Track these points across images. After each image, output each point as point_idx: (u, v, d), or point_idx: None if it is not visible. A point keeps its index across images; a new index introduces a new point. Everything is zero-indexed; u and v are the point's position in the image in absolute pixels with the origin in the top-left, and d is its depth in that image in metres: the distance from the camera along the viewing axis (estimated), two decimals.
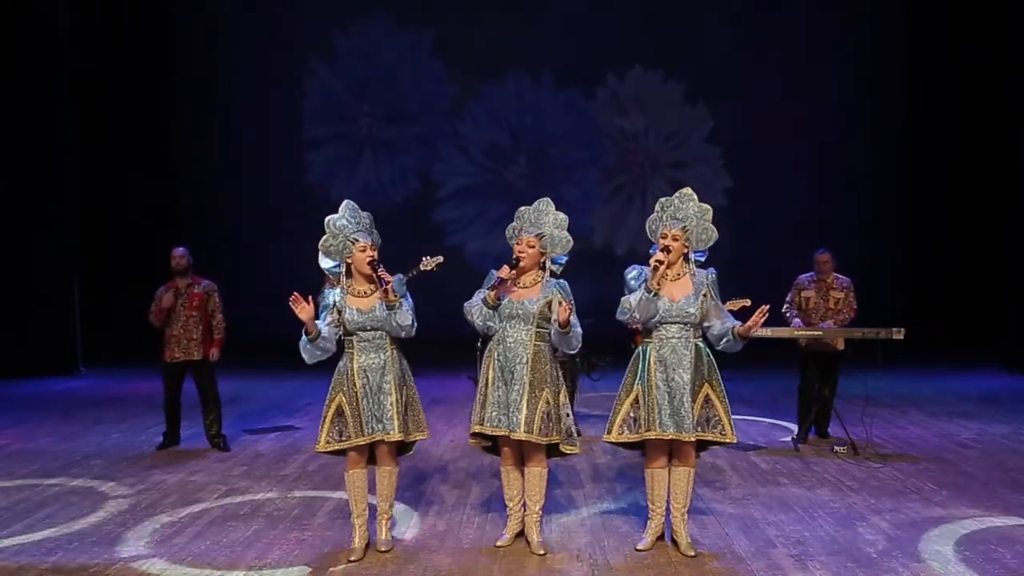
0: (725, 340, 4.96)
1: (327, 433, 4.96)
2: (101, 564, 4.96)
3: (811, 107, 15.33)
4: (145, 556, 5.08)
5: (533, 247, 5.02)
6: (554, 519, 5.62)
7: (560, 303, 4.91)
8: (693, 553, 4.95)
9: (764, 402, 9.73)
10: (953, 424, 8.58)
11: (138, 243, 13.80)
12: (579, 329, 5.00)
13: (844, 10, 15.39)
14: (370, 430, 4.91)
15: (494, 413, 4.97)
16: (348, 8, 15.81)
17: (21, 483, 6.66)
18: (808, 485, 6.43)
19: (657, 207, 5.10)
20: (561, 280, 5.09)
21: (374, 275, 4.91)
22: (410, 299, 5.04)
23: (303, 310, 4.81)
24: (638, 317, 4.91)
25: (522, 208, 5.20)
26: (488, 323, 5.03)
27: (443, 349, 9.56)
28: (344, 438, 4.93)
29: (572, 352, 5.27)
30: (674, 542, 5.06)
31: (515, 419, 4.89)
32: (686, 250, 5.00)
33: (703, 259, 5.09)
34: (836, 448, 7.36)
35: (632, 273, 5.05)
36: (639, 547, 5.06)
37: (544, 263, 5.09)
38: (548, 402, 4.93)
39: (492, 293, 4.98)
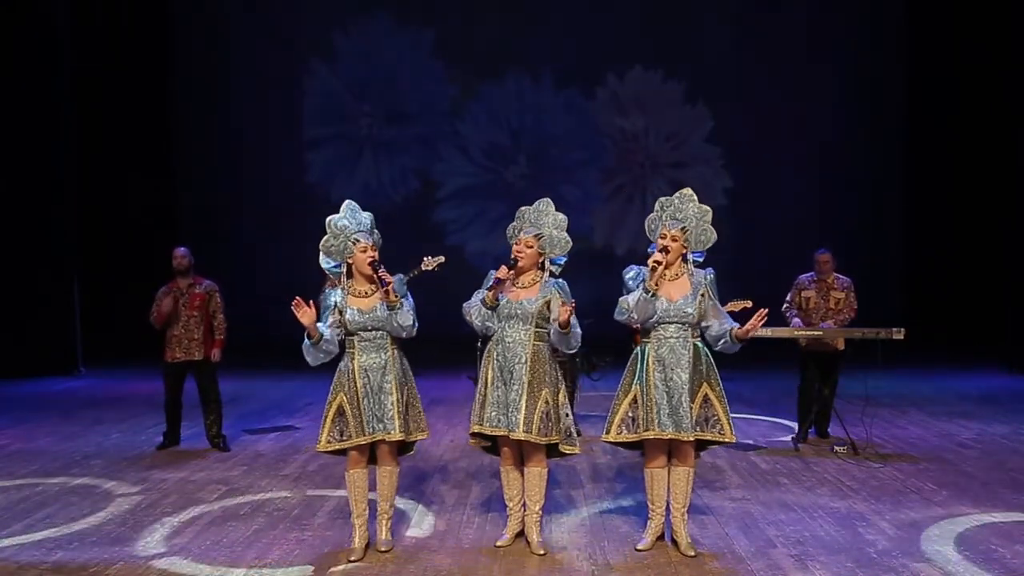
0: (723, 341, 4.96)
1: (328, 433, 4.96)
2: (101, 564, 4.96)
3: (811, 107, 15.33)
4: (145, 556, 5.08)
5: (531, 247, 5.03)
6: (554, 519, 5.62)
7: (562, 303, 4.91)
8: (693, 553, 4.95)
9: (764, 402, 9.73)
10: (953, 424, 8.58)
11: (138, 243, 13.81)
12: (578, 330, 5.00)
13: (844, 10, 15.39)
14: (371, 430, 4.91)
15: (493, 413, 4.97)
16: (348, 8, 15.81)
17: (21, 483, 6.66)
18: (808, 485, 6.43)
19: (657, 207, 5.10)
20: (560, 280, 5.09)
21: (375, 276, 4.91)
22: (411, 299, 5.04)
23: (305, 314, 4.81)
24: (636, 317, 4.91)
25: (523, 208, 5.21)
26: (487, 323, 5.04)
27: (443, 349, 9.56)
28: (345, 438, 4.93)
29: (571, 352, 5.27)
30: (674, 542, 5.06)
31: (514, 419, 4.89)
32: (685, 251, 5.00)
33: (701, 259, 5.09)
34: (836, 448, 7.36)
35: (630, 273, 5.05)
36: (639, 547, 5.06)
37: (543, 263, 5.09)
38: (547, 402, 4.93)
39: (490, 293, 4.98)
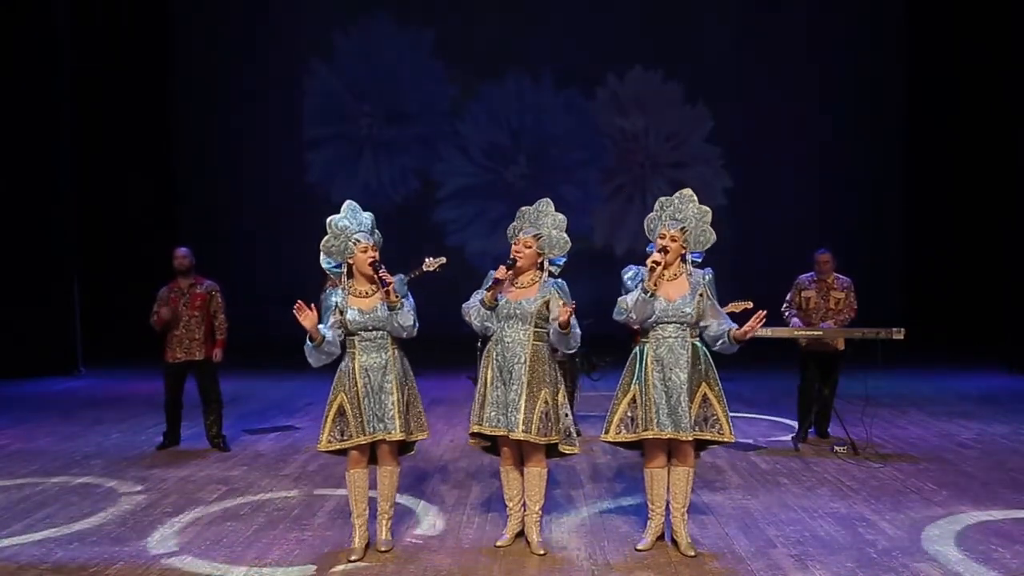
0: (721, 342, 4.96)
1: (329, 433, 4.96)
2: (101, 564, 4.96)
3: (811, 107, 15.34)
4: (145, 556, 5.08)
5: (530, 247, 5.03)
6: (554, 519, 5.62)
7: (563, 304, 4.92)
8: (693, 553, 4.95)
9: (764, 402, 9.73)
10: (953, 424, 8.58)
11: (138, 243, 13.82)
12: (578, 330, 5.00)
13: (844, 10, 15.39)
14: (371, 429, 4.92)
15: (493, 413, 4.97)
16: (348, 8, 15.82)
17: (21, 483, 6.66)
18: (808, 485, 6.43)
19: (656, 206, 5.10)
20: (559, 280, 5.09)
21: (375, 276, 4.91)
22: (411, 299, 5.04)
23: (306, 317, 4.81)
24: (635, 317, 4.91)
25: (523, 208, 5.21)
26: (486, 324, 5.04)
27: (443, 349, 9.56)
28: (346, 438, 4.93)
29: (570, 352, 5.27)
30: (674, 542, 5.06)
31: (513, 419, 4.89)
32: (684, 251, 5.00)
33: (700, 260, 5.09)
34: (836, 448, 7.36)
35: (629, 273, 5.05)
36: (639, 547, 5.06)
37: (542, 263, 5.09)
38: (547, 402, 4.93)
39: (489, 294, 4.99)
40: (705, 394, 4.94)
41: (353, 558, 4.94)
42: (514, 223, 5.18)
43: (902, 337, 7.08)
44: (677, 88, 15.82)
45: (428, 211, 15.89)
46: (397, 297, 4.90)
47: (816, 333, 7.41)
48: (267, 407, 9.76)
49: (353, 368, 4.95)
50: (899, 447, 7.62)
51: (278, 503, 6.08)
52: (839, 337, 7.50)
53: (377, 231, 5.08)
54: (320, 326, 4.89)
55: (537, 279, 5.06)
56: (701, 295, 4.94)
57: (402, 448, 5.15)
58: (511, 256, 5.03)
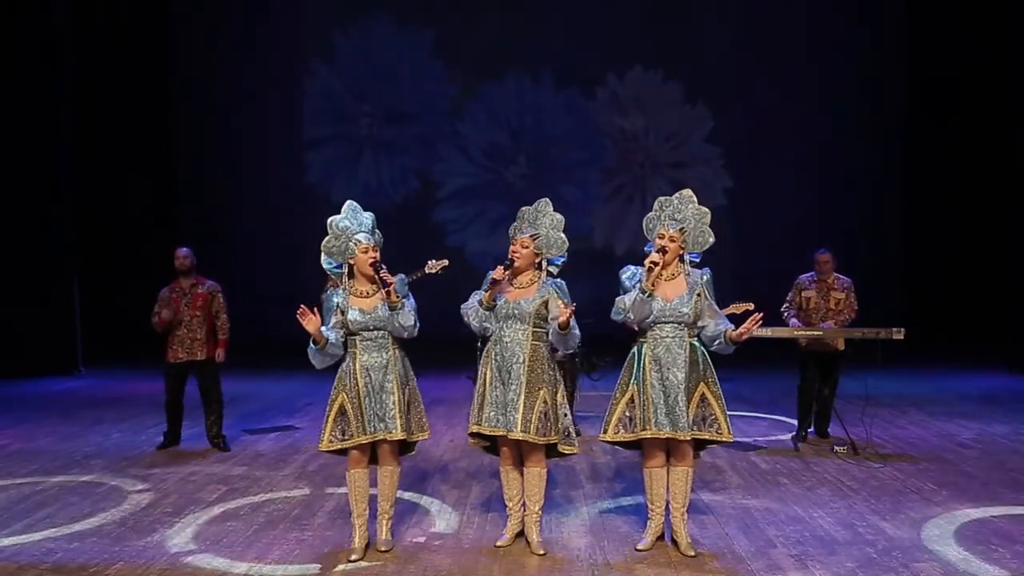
0: (717, 342, 4.96)
1: (330, 432, 4.96)
2: (101, 564, 4.96)
3: (811, 107, 15.33)
4: (146, 556, 5.08)
5: (527, 248, 5.03)
6: (554, 519, 5.62)
7: (564, 305, 4.92)
8: (693, 553, 4.95)
9: (764, 402, 9.73)
10: (953, 424, 8.58)
11: (138, 243, 13.83)
12: (577, 331, 5.00)
13: (844, 10, 15.39)
14: (372, 429, 4.92)
15: (492, 413, 4.97)
16: (348, 8, 15.82)
17: (21, 483, 6.66)
18: (808, 485, 6.43)
19: (656, 206, 5.10)
20: (558, 280, 5.10)
21: (376, 276, 4.92)
22: (412, 299, 5.05)
23: (310, 322, 4.82)
24: (632, 317, 4.91)
25: (523, 208, 5.21)
26: (484, 324, 5.05)
27: (443, 349, 9.56)
28: (347, 437, 4.94)
29: (569, 352, 5.27)
30: (674, 542, 5.06)
31: (512, 419, 4.89)
32: (682, 251, 5.00)
33: (698, 260, 5.09)
34: (836, 448, 7.36)
35: (627, 273, 5.05)
36: (639, 547, 5.06)
37: (540, 263, 5.09)
38: (546, 402, 4.93)
39: (487, 294, 5.00)
40: (703, 394, 4.94)
41: (353, 558, 4.94)
42: (514, 223, 5.19)
43: (902, 337, 7.08)
44: (677, 88, 15.82)
45: (428, 211, 15.89)
46: (398, 297, 4.91)
47: (816, 333, 7.41)
48: (267, 407, 9.76)
49: (354, 368, 4.95)
50: (899, 447, 7.62)
51: (278, 503, 6.09)
52: (839, 337, 7.50)
53: (378, 231, 5.09)
54: (323, 328, 4.89)
55: (536, 279, 5.06)
56: (699, 295, 4.94)
57: (403, 448, 5.15)
58: (509, 256, 5.03)
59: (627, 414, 4.96)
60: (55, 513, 5.90)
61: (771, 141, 15.40)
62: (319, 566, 4.89)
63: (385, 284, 4.89)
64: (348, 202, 5.10)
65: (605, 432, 5.01)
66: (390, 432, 4.92)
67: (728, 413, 5.03)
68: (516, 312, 4.98)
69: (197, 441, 7.83)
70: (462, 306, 5.12)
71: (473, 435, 5.13)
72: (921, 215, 14.97)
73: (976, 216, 14.08)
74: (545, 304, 5.00)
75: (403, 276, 5.13)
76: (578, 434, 5.53)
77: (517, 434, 4.88)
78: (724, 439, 4.99)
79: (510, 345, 4.97)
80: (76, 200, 12.97)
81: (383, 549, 5.06)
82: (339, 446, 4.99)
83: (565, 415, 5.07)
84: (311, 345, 4.90)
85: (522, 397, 4.90)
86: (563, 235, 5.12)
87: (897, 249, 15.44)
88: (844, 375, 7.80)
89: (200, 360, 7.58)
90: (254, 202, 15.58)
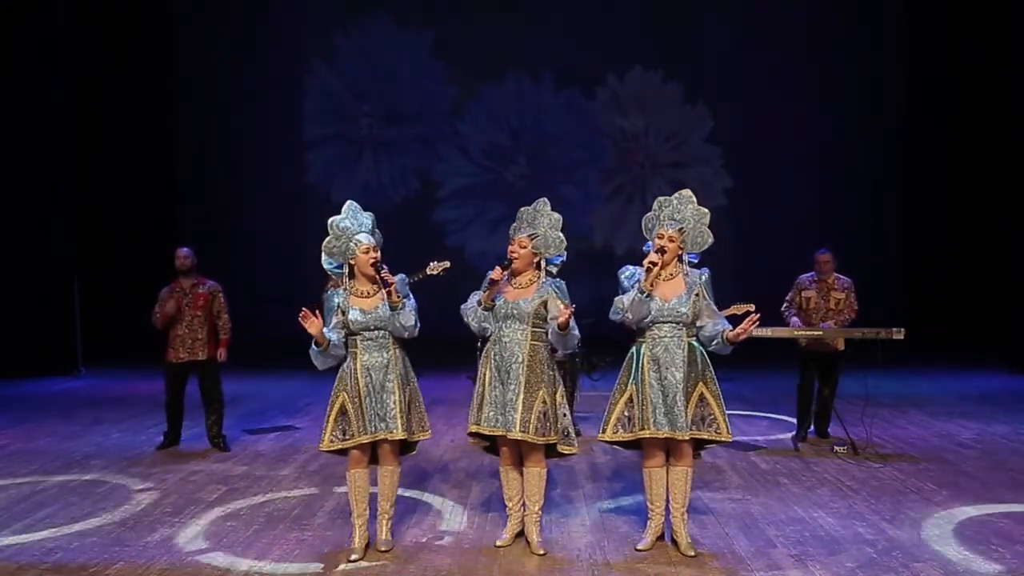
0: (715, 342, 4.95)
1: (331, 432, 4.97)
2: (101, 564, 4.96)
3: (811, 107, 15.33)
4: (146, 556, 5.08)
5: (525, 247, 5.04)
6: (554, 519, 5.62)
7: (564, 306, 4.92)
8: (693, 553, 4.95)
9: (764, 402, 9.73)
10: (953, 424, 8.58)
11: (138, 243, 13.83)
12: (576, 332, 5.01)
13: (844, 10, 15.39)
14: (373, 428, 4.92)
15: (491, 413, 4.97)
16: (348, 8, 15.82)
17: (21, 483, 6.66)
18: (808, 485, 6.43)
19: (655, 206, 5.09)
20: (558, 280, 5.10)
21: (378, 276, 4.92)
22: (413, 299, 5.05)
23: (312, 325, 4.82)
24: (631, 317, 4.91)
25: (522, 208, 5.21)
26: (483, 324, 5.05)
27: (443, 349, 9.55)
28: (347, 437, 4.94)
29: (569, 352, 5.27)
30: (674, 542, 5.06)
31: (511, 419, 4.89)
32: (681, 251, 5.00)
33: (696, 260, 5.09)
34: (836, 448, 7.36)
35: (626, 273, 5.06)
36: (639, 547, 5.06)
37: (539, 263, 5.09)
38: (545, 402, 4.93)
39: (486, 294, 5.00)
40: (702, 393, 4.94)
41: (353, 558, 4.94)
42: (514, 224, 5.19)
43: (902, 337, 7.08)
44: (677, 88, 15.82)
45: (428, 211, 15.89)
46: (399, 297, 4.91)
47: (816, 333, 7.41)
48: (267, 407, 9.76)
49: (355, 368, 4.95)
50: (899, 447, 7.62)
51: (278, 503, 6.09)
52: (839, 337, 7.50)
53: (377, 231, 5.09)
54: (325, 330, 4.89)
55: (535, 279, 5.06)
56: (697, 295, 4.94)
57: (404, 448, 5.15)
58: (507, 256, 5.03)
59: (626, 414, 4.96)
60: (55, 513, 5.90)
61: (771, 141, 15.40)
62: (321, 565, 4.88)
63: (386, 284, 4.89)
64: (348, 202, 5.10)
65: (604, 432, 5.02)
66: (391, 432, 4.92)
67: (728, 413, 5.04)
68: (515, 312, 4.98)
69: (197, 441, 7.83)
70: (461, 307, 5.12)
71: (472, 435, 5.14)
72: (921, 215, 14.97)
73: (976, 216, 14.08)
74: (544, 304, 5.00)
75: (404, 276, 5.14)
76: (578, 434, 5.53)
77: (516, 434, 4.88)
78: (723, 439, 4.99)
79: (509, 345, 4.97)
80: (76, 200, 12.97)
81: (383, 549, 5.06)
82: (340, 446, 4.99)
83: (564, 415, 5.07)
84: (313, 347, 4.90)
85: (521, 397, 4.90)
86: (561, 234, 5.11)
87: (897, 249, 15.44)
88: (844, 375, 7.80)
89: (202, 360, 7.58)
90: (254, 202, 15.57)
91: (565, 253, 5.16)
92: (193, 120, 15.44)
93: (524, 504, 5.13)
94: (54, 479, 6.77)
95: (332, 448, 5.01)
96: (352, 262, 5.00)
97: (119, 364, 12.87)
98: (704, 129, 15.85)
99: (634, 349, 5.02)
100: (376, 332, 4.96)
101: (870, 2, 15.45)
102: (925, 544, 5.14)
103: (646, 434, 4.88)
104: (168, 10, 15.34)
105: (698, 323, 4.97)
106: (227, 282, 7.96)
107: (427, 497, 6.19)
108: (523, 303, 4.99)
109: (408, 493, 6.16)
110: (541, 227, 5.09)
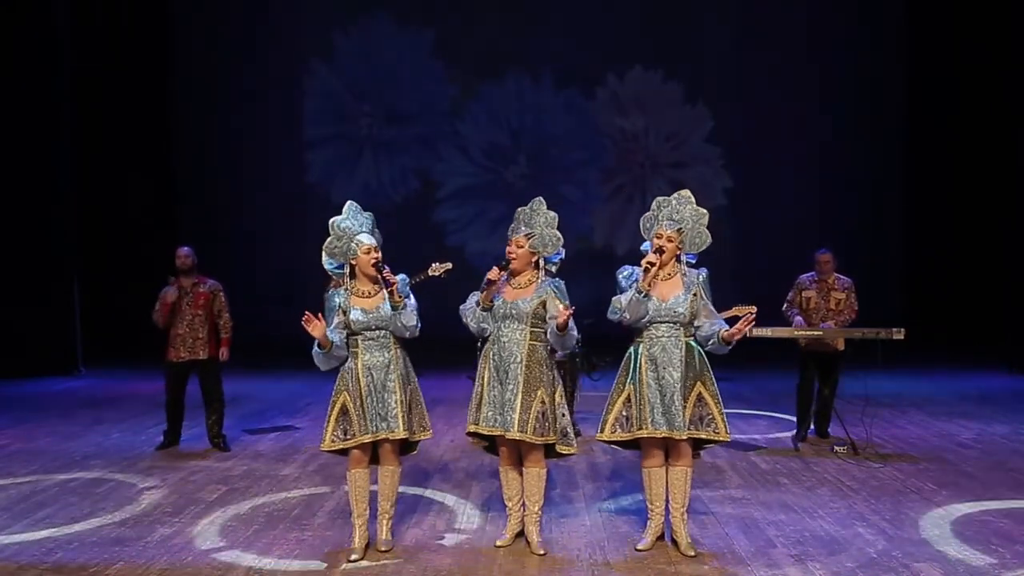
0: (711, 342, 4.95)
1: (332, 432, 4.97)
2: (101, 564, 4.96)
3: (811, 107, 15.33)
4: (146, 556, 5.08)
5: (522, 247, 5.03)
6: (554, 519, 5.62)
7: (563, 306, 4.91)
8: (693, 553, 4.95)
9: (764, 402, 9.73)
10: (953, 424, 8.58)
11: (138, 243, 13.83)
12: (575, 332, 5.01)
13: (844, 10, 15.39)
14: (374, 428, 4.92)
15: (490, 413, 4.98)
16: (348, 8, 15.82)
17: (21, 483, 6.66)
18: (808, 485, 6.43)
19: (654, 205, 5.09)
20: (557, 279, 5.09)
21: (379, 276, 4.93)
22: (414, 299, 5.05)
23: (315, 328, 4.82)
24: (628, 317, 4.92)
25: (520, 208, 5.21)
26: (482, 325, 5.05)
27: (443, 349, 9.55)
28: (349, 437, 4.94)
29: (567, 352, 5.27)
30: (674, 542, 5.06)
31: (509, 419, 4.90)
32: (679, 251, 5.00)
33: (694, 261, 5.09)
34: (836, 448, 7.36)
35: (624, 273, 5.06)
36: (639, 547, 5.06)
37: (537, 262, 5.09)
38: (543, 402, 4.93)
39: (484, 295, 5.00)
40: (700, 393, 4.94)
41: (353, 558, 4.94)
42: (512, 224, 5.19)
43: (902, 337, 7.08)
44: (677, 88, 15.82)
45: (428, 211, 15.88)
46: (400, 297, 4.91)
47: (816, 333, 7.41)
48: (267, 407, 9.76)
49: (356, 367, 4.96)
50: (899, 447, 7.62)
51: (278, 503, 6.09)
52: (839, 337, 7.50)
53: (377, 231, 5.09)
54: (327, 331, 4.89)
55: (534, 279, 5.06)
56: (695, 295, 4.94)
57: (405, 448, 5.16)
58: (505, 257, 5.03)
59: (624, 414, 4.97)
60: (55, 513, 5.90)
61: (771, 141, 15.40)
62: (321, 565, 4.88)
63: (388, 284, 4.89)
64: (349, 203, 5.10)
65: (602, 431, 5.02)
66: (392, 431, 4.92)
67: (727, 412, 5.04)
68: (514, 312, 4.98)
69: (197, 441, 7.83)
70: (460, 308, 5.12)
71: (471, 434, 5.14)
72: (921, 215, 14.97)
73: (976, 216, 14.08)
74: (543, 304, 5.00)
75: (405, 276, 5.14)
76: (578, 434, 5.54)
77: (514, 434, 4.88)
78: (721, 439, 4.99)
79: (508, 345, 4.97)
80: (76, 200, 12.97)
81: (383, 549, 5.06)
82: (341, 446, 4.99)
83: (563, 415, 5.07)
84: (316, 348, 4.90)
85: (519, 397, 4.90)
86: (557, 232, 5.10)
87: (897, 249, 15.44)
88: (844, 375, 7.80)
89: (202, 359, 7.57)
90: (254, 202, 15.57)
91: (563, 251, 5.15)
92: (193, 120, 15.44)
93: (524, 504, 5.13)
94: (54, 479, 6.77)
95: (333, 448, 5.01)
96: (353, 262, 5.00)
97: (119, 364, 12.87)
98: (704, 129, 15.85)
99: (632, 349, 5.02)
100: (377, 332, 4.97)
101: (870, 2, 15.45)
102: (925, 544, 5.14)
103: (644, 434, 4.88)
104: (168, 10, 15.34)
105: (695, 323, 4.97)
106: (227, 282, 7.96)
107: (427, 496, 6.19)
108: (521, 303, 4.99)
109: (409, 492, 6.16)
110: (537, 226, 5.08)
